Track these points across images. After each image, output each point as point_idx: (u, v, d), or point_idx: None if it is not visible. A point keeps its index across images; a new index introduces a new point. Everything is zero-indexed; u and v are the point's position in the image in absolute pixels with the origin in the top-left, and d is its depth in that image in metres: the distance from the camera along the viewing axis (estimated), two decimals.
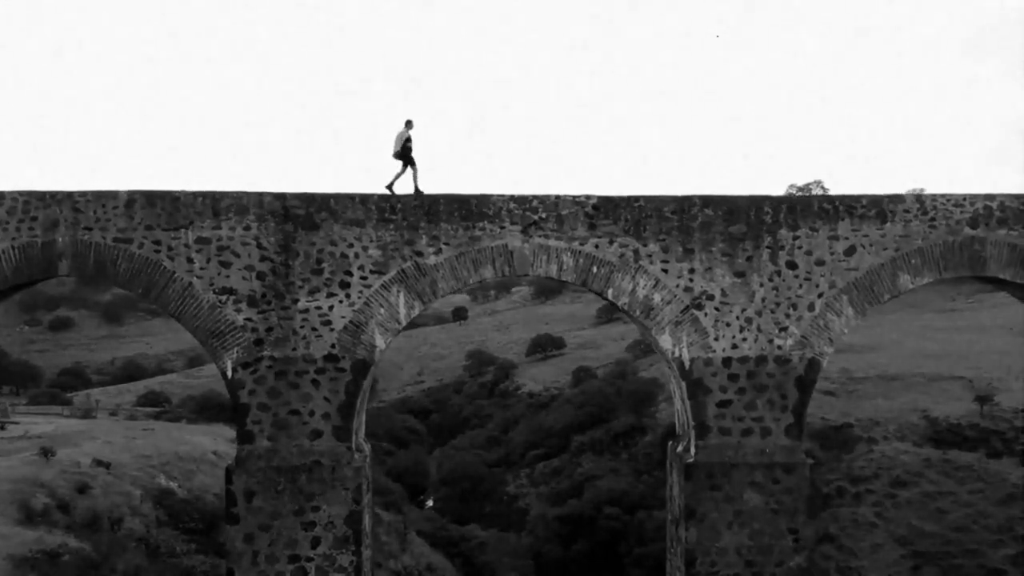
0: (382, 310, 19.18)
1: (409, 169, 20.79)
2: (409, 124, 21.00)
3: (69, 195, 18.73)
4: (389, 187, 20.45)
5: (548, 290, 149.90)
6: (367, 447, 20.38)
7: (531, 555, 64.15)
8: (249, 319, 18.92)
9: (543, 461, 78.45)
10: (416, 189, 20.47)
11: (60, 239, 18.63)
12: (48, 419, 66.22)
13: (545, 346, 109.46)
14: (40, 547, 36.50)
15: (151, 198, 18.84)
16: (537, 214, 19.37)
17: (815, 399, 71.08)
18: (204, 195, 18.98)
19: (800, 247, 19.58)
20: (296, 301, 19.04)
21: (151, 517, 46.57)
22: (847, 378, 74.12)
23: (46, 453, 48.45)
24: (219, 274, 18.90)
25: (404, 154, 20.78)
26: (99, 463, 50.09)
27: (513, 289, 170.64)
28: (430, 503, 76.53)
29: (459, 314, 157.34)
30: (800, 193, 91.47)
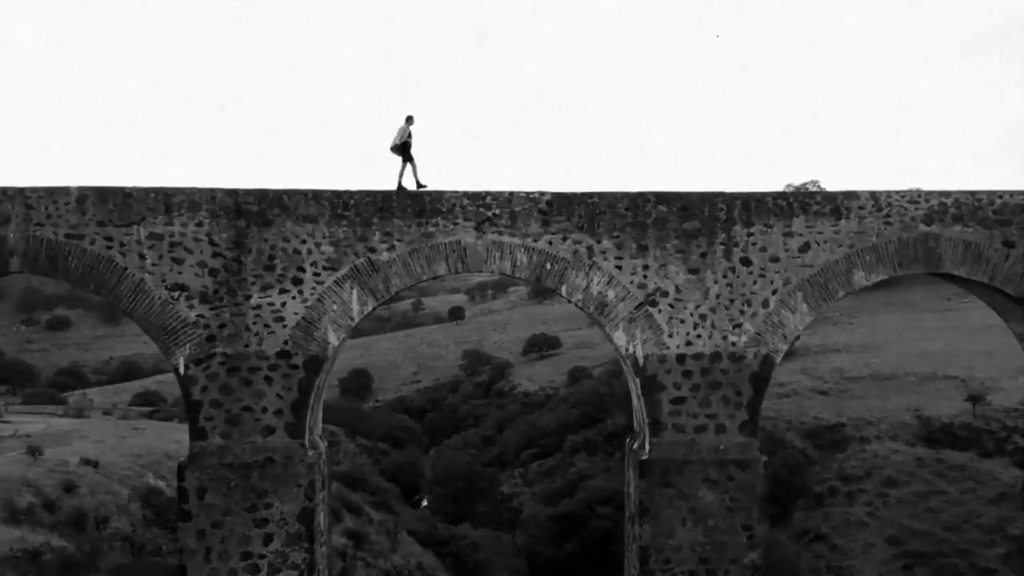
0: (335, 306, 19.17)
1: (408, 164, 20.73)
2: (410, 120, 20.96)
3: (20, 191, 18.74)
4: (400, 184, 20.36)
5: (545, 290, 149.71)
6: (322, 444, 20.38)
7: (524, 554, 64.11)
8: (201, 315, 18.92)
9: (537, 461, 78.47)
10: (417, 183, 20.43)
11: (11, 235, 18.63)
12: (41, 418, 66.51)
13: (541, 346, 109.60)
14: (22, 546, 36.57)
15: (103, 194, 18.84)
16: (491, 210, 19.35)
17: (809, 398, 71.39)
18: (156, 191, 18.99)
19: (754, 244, 19.51)
20: (249, 297, 19.03)
21: (138, 516, 46.69)
22: (841, 378, 74.04)
23: (33, 452, 48.56)
24: (171, 270, 18.90)
25: (404, 149, 20.74)
26: (87, 462, 50.21)
27: (510, 289, 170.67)
28: (425, 503, 76.57)
29: (456, 314, 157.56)
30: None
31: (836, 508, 59.01)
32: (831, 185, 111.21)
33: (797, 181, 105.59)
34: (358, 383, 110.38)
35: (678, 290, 19.49)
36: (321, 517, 19.75)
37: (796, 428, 66.64)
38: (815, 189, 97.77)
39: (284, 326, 19.07)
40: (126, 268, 18.81)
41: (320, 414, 20.88)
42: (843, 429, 65.11)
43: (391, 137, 21.00)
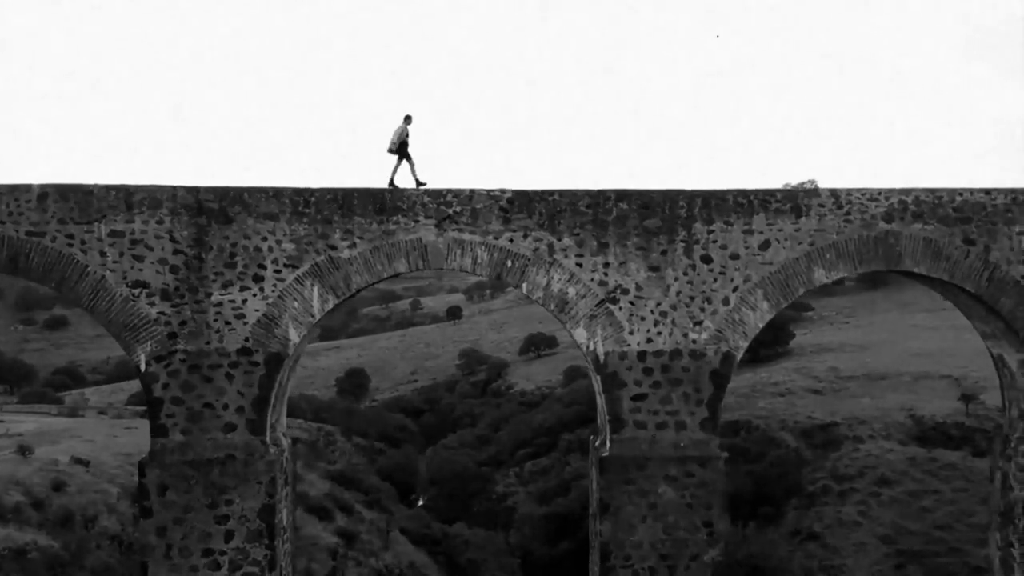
0: (296, 304, 19.23)
1: (405, 163, 20.85)
2: (408, 119, 21.05)
3: None
4: (391, 182, 20.50)
5: None
6: (286, 441, 20.44)
7: (519, 554, 64.08)
8: (162, 313, 19.00)
9: (532, 460, 78.41)
10: (417, 181, 20.55)
11: None
12: (35, 418, 66.63)
13: (538, 345, 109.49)
14: (7, 545, 36.65)
15: (64, 192, 18.91)
16: (452, 208, 19.40)
17: (803, 397, 71.29)
18: (117, 188, 19.06)
19: (715, 241, 19.54)
20: (210, 295, 19.11)
21: (127, 515, 46.71)
22: (835, 376, 73.87)
23: (23, 451, 48.66)
24: (132, 268, 18.99)
25: (401, 149, 20.83)
26: (78, 461, 50.30)
27: (508, 288, 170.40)
28: (421, 502, 76.65)
29: (454, 313, 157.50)
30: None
31: (829, 507, 58.74)
32: (829, 185, 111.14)
33: (795, 181, 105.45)
34: (355, 382, 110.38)
35: (639, 287, 19.52)
36: (284, 514, 19.81)
37: (789, 427, 66.53)
38: (810, 188, 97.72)
39: (245, 323, 19.15)
40: (87, 265, 18.89)
41: (284, 411, 20.96)
42: (836, 428, 64.92)
43: (388, 136, 21.09)
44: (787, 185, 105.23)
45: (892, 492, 58.58)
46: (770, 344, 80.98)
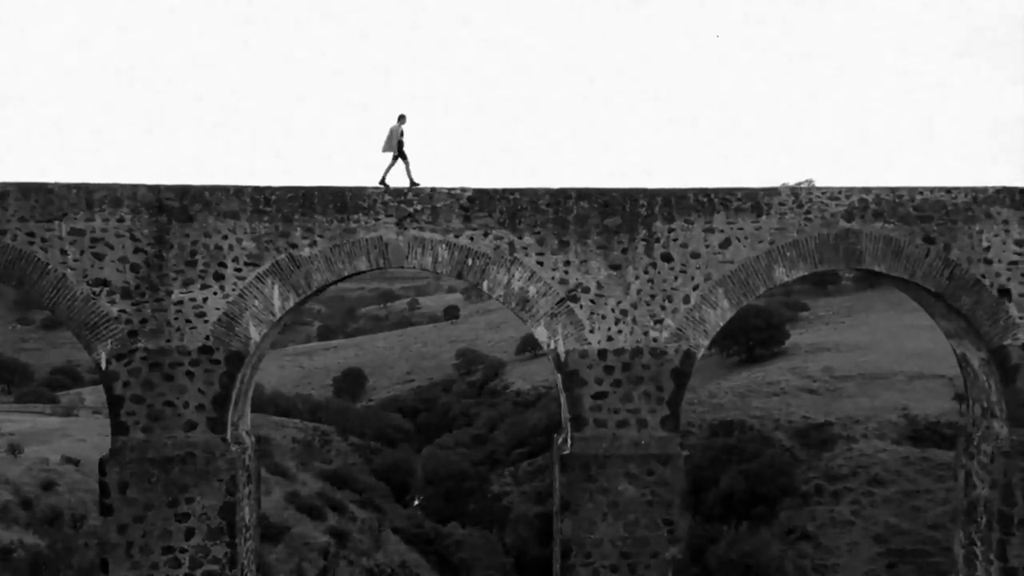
0: (257, 302, 19.26)
1: (401, 162, 20.82)
2: (402, 119, 21.02)
3: None
4: (382, 181, 20.48)
5: None
6: (249, 439, 20.47)
7: (513, 553, 64.13)
8: (123, 311, 19.02)
9: (527, 460, 78.44)
10: (411, 181, 20.52)
11: None
12: (29, 417, 66.83)
13: (535, 345, 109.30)
14: None
15: (24, 190, 18.94)
16: (412, 206, 19.42)
17: (797, 397, 71.03)
18: (78, 187, 19.08)
19: (675, 240, 19.52)
20: (170, 293, 19.13)
21: None
22: (829, 376, 73.76)
23: (14, 450, 48.74)
24: (93, 266, 19.01)
25: (398, 148, 20.83)
26: (68, 460, 50.37)
27: None
28: (417, 502, 76.72)
29: (451, 313, 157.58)
30: None
31: (822, 507, 58.84)
32: (826, 183, 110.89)
33: (792, 180, 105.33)
34: (352, 382, 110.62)
35: (599, 286, 19.51)
36: (245, 512, 19.84)
37: (784, 427, 66.56)
38: (806, 186, 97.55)
39: (206, 321, 19.17)
40: (48, 264, 18.91)
41: (247, 409, 20.99)
42: (830, 428, 64.95)
43: (382, 136, 21.08)
44: (784, 185, 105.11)
45: (885, 492, 58.56)
46: (765, 344, 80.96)
